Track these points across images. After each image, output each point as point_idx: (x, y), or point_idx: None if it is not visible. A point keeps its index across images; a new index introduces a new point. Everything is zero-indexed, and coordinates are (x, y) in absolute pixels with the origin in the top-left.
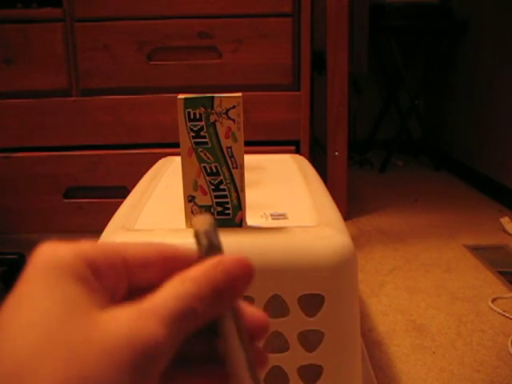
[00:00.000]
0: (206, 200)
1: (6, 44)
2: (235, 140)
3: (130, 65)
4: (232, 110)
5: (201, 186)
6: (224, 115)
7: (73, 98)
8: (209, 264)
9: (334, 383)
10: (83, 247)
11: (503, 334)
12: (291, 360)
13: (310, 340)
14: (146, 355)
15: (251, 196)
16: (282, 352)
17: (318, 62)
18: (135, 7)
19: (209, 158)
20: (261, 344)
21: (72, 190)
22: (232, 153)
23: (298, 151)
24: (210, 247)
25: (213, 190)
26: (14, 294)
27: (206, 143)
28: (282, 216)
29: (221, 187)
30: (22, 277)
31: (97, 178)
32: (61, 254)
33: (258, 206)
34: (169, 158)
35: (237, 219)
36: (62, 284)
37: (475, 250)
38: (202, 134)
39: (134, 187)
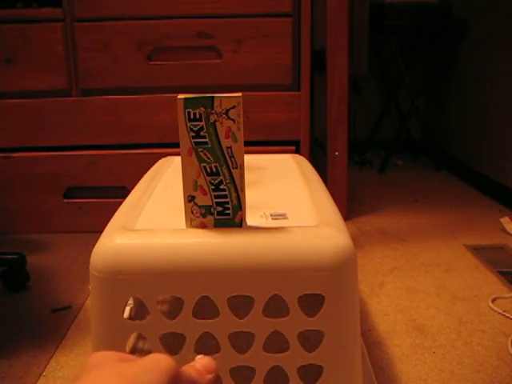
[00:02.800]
0: (206, 200)
1: (6, 44)
2: (235, 140)
3: (129, 65)
4: (232, 110)
5: (201, 186)
6: (224, 115)
7: (72, 98)
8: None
9: (333, 383)
10: (118, 353)
11: (503, 334)
12: (291, 360)
13: (310, 340)
14: (175, 375)
15: (251, 196)
16: (282, 352)
17: (318, 62)
18: (135, 7)
19: (209, 158)
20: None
21: (72, 190)
22: (232, 153)
23: (297, 151)
24: None
25: (213, 189)
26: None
27: (206, 143)
28: (282, 216)
29: (221, 187)
30: (87, 363)
31: (96, 178)
32: (106, 352)
33: (257, 205)
34: (169, 157)
35: (237, 219)
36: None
37: (475, 249)
38: (201, 134)
39: (133, 187)
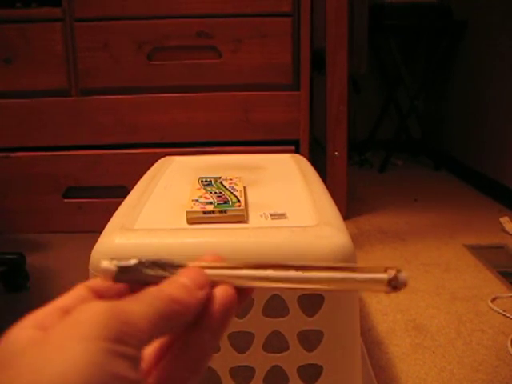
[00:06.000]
0: (208, 199)
1: (6, 44)
2: None
3: (129, 64)
4: None
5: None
6: None
7: (72, 98)
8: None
9: (333, 383)
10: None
11: (503, 334)
12: (291, 360)
13: (310, 340)
14: (116, 320)
15: (251, 196)
16: (281, 352)
17: (318, 62)
18: (135, 7)
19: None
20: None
21: (71, 190)
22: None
23: (297, 151)
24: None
25: (214, 193)
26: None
27: None
28: (282, 216)
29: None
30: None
31: (96, 178)
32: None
33: (257, 205)
34: (168, 157)
35: (235, 206)
36: None
37: (475, 249)
38: None
39: (133, 187)
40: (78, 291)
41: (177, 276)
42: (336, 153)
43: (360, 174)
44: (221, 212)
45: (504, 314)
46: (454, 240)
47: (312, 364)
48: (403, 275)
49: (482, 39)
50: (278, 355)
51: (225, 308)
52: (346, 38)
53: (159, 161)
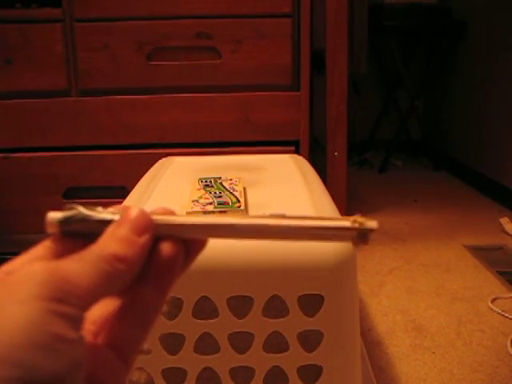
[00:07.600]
0: (208, 200)
1: (6, 44)
2: None
3: (129, 65)
4: None
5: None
6: None
7: (72, 98)
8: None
9: (333, 383)
10: None
11: (502, 334)
12: (291, 360)
13: (310, 340)
14: (54, 279)
15: (251, 196)
16: (281, 352)
17: (318, 62)
18: (135, 7)
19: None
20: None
21: (72, 190)
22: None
23: (297, 151)
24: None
25: (214, 193)
26: None
27: None
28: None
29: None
30: None
31: (97, 178)
32: None
33: (257, 206)
34: (168, 158)
35: (236, 206)
36: None
37: (475, 250)
38: None
39: (133, 187)
40: (36, 251)
41: (117, 225)
42: (336, 153)
43: (360, 175)
44: (221, 212)
45: (504, 314)
46: (454, 240)
47: (312, 364)
48: (371, 223)
49: (482, 39)
50: (278, 356)
51: (169, 263)
52: (346, 39)
53: (159, 161)
